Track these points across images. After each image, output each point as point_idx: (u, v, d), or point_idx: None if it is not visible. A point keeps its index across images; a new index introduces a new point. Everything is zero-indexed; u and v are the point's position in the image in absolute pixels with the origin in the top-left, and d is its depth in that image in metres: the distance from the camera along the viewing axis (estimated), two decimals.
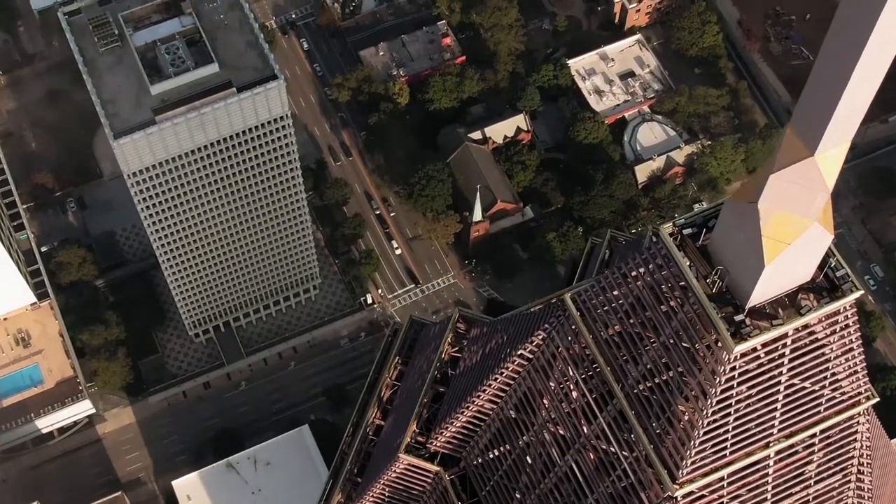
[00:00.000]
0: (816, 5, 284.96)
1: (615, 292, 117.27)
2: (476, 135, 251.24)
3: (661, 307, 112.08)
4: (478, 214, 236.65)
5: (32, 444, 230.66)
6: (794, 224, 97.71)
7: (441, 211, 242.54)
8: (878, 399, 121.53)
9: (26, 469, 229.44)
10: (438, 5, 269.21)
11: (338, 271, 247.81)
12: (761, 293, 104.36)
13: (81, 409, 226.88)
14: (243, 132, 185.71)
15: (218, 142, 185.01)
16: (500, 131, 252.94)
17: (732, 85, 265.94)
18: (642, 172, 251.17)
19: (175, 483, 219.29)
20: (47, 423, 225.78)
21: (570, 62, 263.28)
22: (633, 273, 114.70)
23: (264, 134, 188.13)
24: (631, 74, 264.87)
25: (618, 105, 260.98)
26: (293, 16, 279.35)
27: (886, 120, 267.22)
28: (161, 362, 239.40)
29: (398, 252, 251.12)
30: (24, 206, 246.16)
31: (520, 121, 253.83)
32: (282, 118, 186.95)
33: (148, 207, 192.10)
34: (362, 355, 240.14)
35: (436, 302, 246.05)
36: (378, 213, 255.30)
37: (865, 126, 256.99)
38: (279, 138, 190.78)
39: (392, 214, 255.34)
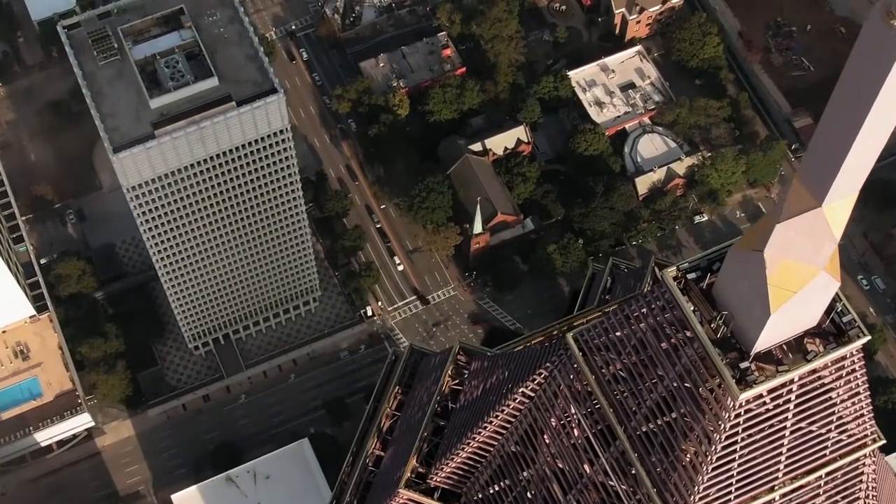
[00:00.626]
0: (817, 16, 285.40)
1: (618, 333, 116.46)
2: (476, 146, 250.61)
3: (665, 350, 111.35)
4: (478, 227, 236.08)
5: (31, 457, 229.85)
6: (800, 272, 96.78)
7: (441, 223, 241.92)
8: (884, 441, 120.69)
9: (25, 482, 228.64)
10: (439, 16, 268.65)
11: (338, 283, 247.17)
12: (767, 339, 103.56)
13: (80, 422, 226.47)
14: (243, 146, 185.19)
15: (217, 155, 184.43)
16: (500, 143, 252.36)
17: (733, 96, 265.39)
18: (643, 184, 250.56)
19: (174, 497, 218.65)
20: (46, 436, 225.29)
21: (571, 74, 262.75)
22: (636, 314, 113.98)
23: (264, 148, 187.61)
24: (631, 86, 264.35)
25: (618, 116, 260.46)
26: (293, 27, 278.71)
27: None
28: (160, 375, 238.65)
29: (400, 269, 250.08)
30: (24, 218, 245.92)
31: (520, 132, 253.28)
32: (282, 132, 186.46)
33: (147, 221, 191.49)
34: (362, 368, 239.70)
35: (436, 314, 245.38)
36: (379, 226, 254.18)
37: None
38: (279, 152, 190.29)
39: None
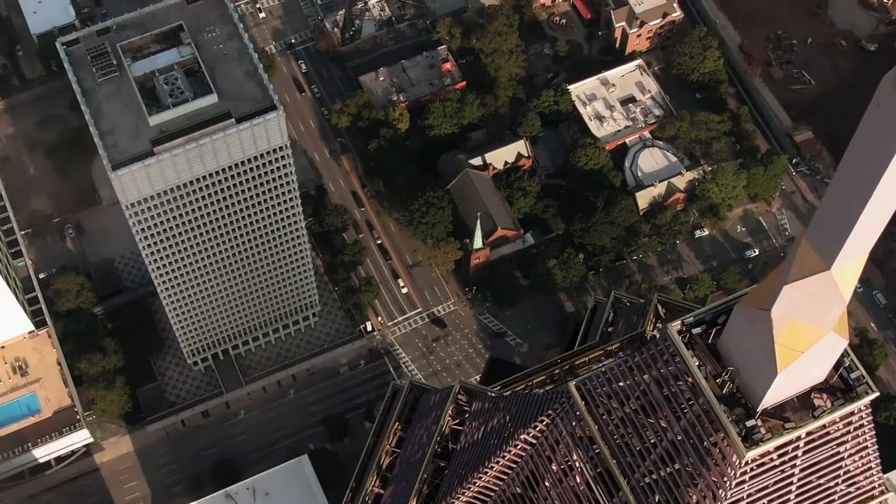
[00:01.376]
0: (818, 30, 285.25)
1: (621, 383, 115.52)
2: (476, 161, 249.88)
3: (670, 403, 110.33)
4: (478, 242, 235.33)
5: (30, 473, 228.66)
6: (808, 332, 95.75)
7: (441, 238, 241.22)
8: (893, 492, 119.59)
9: (24, 499, 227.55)
10: (439, 30, 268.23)
11: (337, 298, 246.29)
12: (774, 396, 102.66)
13: (79, 438, 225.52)
14: (242, 162, 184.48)
15: (217, 172, 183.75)
16: (500, 157, 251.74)
17: (734, 110, 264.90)
18: (643, 199, 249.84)
19: None
20: (45, 452, 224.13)
21: (571, 87, 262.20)
22: (640, 366, 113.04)
23: (263, 164, 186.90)
24: (632, 100, 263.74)
25: (619, 131, 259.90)
26: (293, 41, 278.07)
27: None
28: (159, 390, 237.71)
29: (404, 291, 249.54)
30: (22, 233, 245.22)
31: (520, 147, 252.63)
32: (281, 148, 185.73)
33: (146, 238, 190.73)
34: (362, 383, 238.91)
35: (436, 330, 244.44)
36: (380, 242, 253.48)
37: None
38: (279, 168, 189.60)
39: (378, 241, 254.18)
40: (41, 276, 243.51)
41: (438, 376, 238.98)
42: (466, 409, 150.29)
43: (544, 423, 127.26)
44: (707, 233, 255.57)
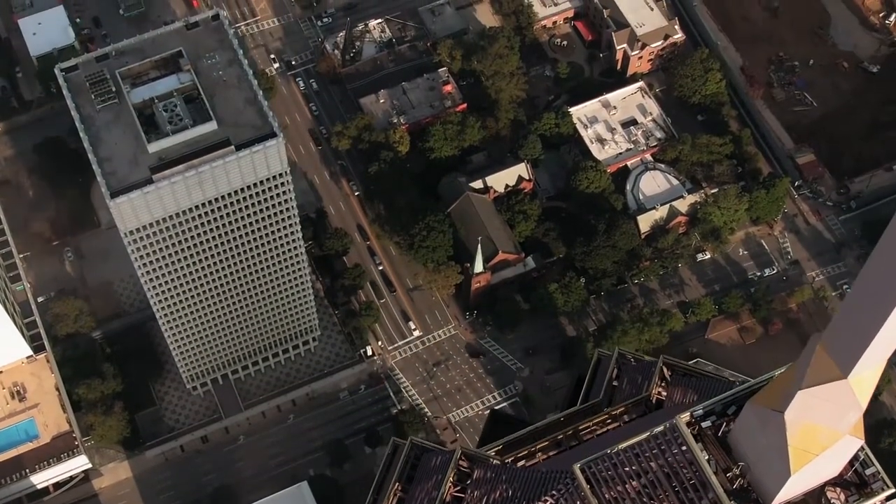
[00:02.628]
0: (820, 51, 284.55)
1: (627, 469, 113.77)
2: (477, 184, 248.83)
3: (678, 494, 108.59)
4: (479, 266, 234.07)
5: (28, 499, 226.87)
6: (823, 435, 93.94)
7: (442, 262, 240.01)
8: None
9: None
10: (439, 52, 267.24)
11: (337, 322, 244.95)
12: (786, 494, 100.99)
13: (77, 464, 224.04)
14: (242, 189, 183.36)
15: (216, 199, 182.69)
16: (501, 180, 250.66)
17: (736, 132, 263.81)
18: (645, 222, 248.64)
19: None
20: (43, 478, 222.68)
21: (572, 110, 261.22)
22: (648, 453, 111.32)
23: (263, 191, 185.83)
24: (633, 122, 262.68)
25: (620, 153, 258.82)
26: (293, 62, 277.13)
27: (891, 168, 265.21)
28: (158, 415, 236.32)
29: (380, 268, 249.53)
30: (21, 256, 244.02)
31: (521, 169, 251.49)
32: (281, 175, 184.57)
33: (145, 265, 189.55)
34: (362, 408, 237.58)
35: (436, 354, 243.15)
36: (381, 268, 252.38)
37: (870, 174, 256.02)
38: (278, 195, 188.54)
39: (380, 267, 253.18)
40: (40, 299, 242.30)
41: (439, 401, 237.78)
42: (468, 475, 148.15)
43: (548, 503, 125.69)
44: (709, 256, 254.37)
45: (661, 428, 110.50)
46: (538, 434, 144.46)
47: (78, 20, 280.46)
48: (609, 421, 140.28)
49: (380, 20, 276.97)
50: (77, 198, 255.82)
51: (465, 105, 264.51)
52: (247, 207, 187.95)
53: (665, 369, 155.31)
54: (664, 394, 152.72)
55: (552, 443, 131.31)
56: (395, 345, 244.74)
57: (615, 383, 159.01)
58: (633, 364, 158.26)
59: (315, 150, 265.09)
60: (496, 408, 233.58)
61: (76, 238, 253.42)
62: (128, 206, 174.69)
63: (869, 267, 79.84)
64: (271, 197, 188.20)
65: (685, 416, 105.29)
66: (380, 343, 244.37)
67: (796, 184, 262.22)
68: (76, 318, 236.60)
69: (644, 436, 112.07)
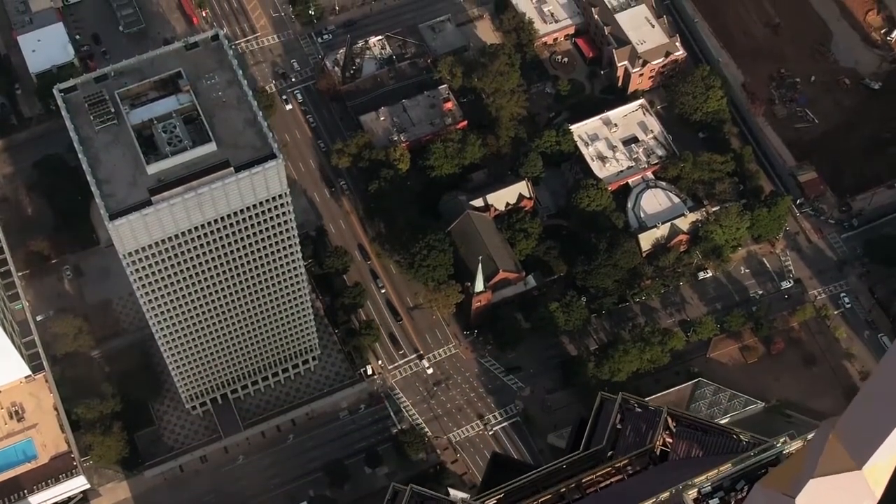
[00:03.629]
0: (821, 67, 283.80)
1: None
2: (478, 202, 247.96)
3: None
4: (479, 285, 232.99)
5: None
6: None
7: (442, 281, 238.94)
8: None
9: None
10: (440, 69, 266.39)
11: (337, 341, 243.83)
12: None
13: (76, 484, 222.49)
14: (241, 211, 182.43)
15: (215, 221, 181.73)
16: (502, 198, 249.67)
17: (737, 150, 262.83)
18: (646, 240, 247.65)
19: None
20: (41, 499, 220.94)
21: (573, 127, 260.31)
22: None
23: (263, 212, 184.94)
24: (634, 140, 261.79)
25: (621, 171, 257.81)
26: (293, 79, 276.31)
27: (893, 185, 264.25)
28: (157, 435, 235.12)
29: (383, 291, 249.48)
30: (20, 274, 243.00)
31: (522, 188, 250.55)
32: (281, 196, 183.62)
33: (144, 286, 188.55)
34: (362, 428, 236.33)
35: (437, 373, 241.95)
36: (384, 291, 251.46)
37: (872, 192, 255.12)
38: (278, 216, 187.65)
39: (382, 290, 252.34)
40: (38, 318, 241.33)
41: (440, 420, 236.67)
42: None
43: None
44: (710, 274, 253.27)
45: (666, 494, 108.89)
46: (540, 483, 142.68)
47: (77, 37, 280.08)
48: (613, 473, 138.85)
49: (380, 37, 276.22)
50: (76, 216, 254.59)
51: (465, 122, 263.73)
52: (246, 229, 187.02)
53: (670, 420, 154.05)
54: (669, 444, 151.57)
55: (556, 496, 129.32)
56: (396, 364, 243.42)
57: (619, 427, 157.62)
58: (637, 411, 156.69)
59: (315, 168, 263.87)
60: (496, 431, 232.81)
61: (75, 256, 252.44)
62: (127, 228, 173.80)
63: (886, 360, 78.05)
64: (271, 218, 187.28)
65: (692, 493, 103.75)
66: (380, 362, 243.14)
67: (798, 201, 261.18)
68: (75, 338, 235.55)
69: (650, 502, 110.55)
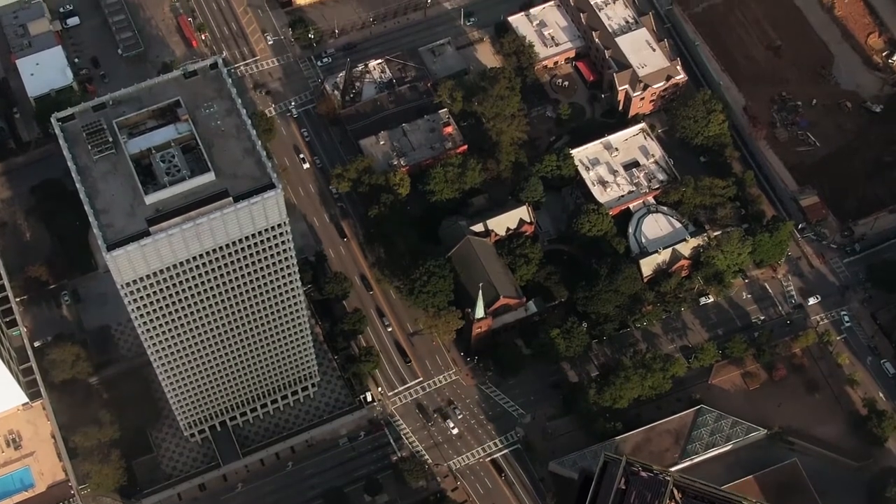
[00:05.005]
0: (823, 90, 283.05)
1: None
2: (478, 227, 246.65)
3: None
4: (480, 312, 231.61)
5: None
6: None
7: (442, 307, 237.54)
8: None
9: None
10: (440, 93, 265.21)
11: (337, 368, 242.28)
12: None
13: None
14: (240, 240, 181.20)
15: (214, 250, 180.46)
16: (502, 223, 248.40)
17: (739, 174, 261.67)
18: (647, 266, 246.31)
19: None
20: None
21: (574, 152, 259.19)
22: None
23: (261, 241, 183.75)
24: (635, 164, 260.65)
25: (622, 196, 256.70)
26: (293, 103, 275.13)
27: (895, 210, 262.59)
28: (155, 462, 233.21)
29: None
30: (18, 300, 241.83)
31: (522, 212, 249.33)
32: (280, 225, 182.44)
33: (143, 315, 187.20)
34: (362, 455, 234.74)
35: (437, 400, 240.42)
36: (388, 326, 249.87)
37: (874, 216, 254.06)
38: (277, 245, 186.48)
39: (387, 324, 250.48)
40: (36, 344, 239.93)
41: (440, 448, 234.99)
42: None
43: None
44: (712, 300, 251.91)
45: None
46: None
47: (76, 60, 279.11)
48: None
49: (380, 60, 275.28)
50: (75, 240, 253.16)
51: (465, 146, 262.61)
52: (245, 258, 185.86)
53: (676, 491, 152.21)
54: None
55: None
56: (396, 390, 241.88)
57: (623, 487, 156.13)
58: (642, 476, 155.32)
59: (314, 193, 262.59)
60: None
61: (73, 281, 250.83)
62: (124, 259, 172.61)
63: None
64: (270, 247, 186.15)
65: None
66: (380, 389, 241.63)
67: (800, 226, 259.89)
68: (73, 364, 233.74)
69: None
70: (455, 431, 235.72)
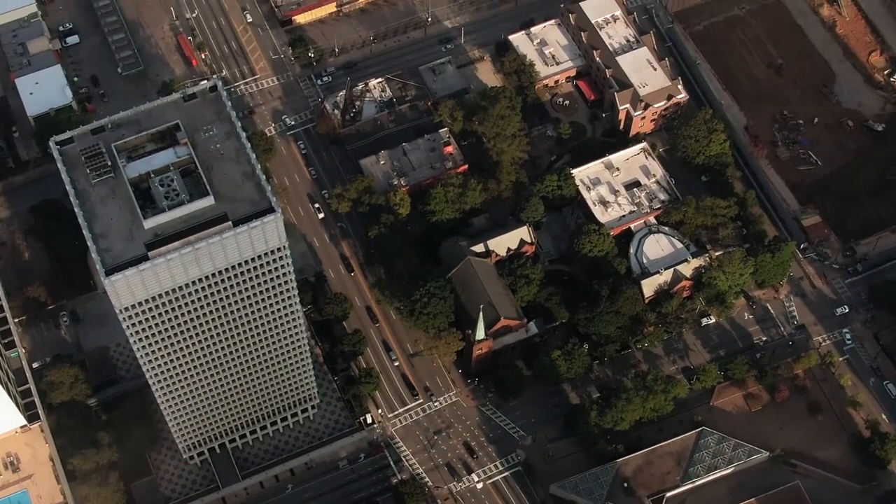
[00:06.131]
0: (824, 109, 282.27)
1: None
2: (479, 247, 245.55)
3: None
4: (480, 333, 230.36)
5: None
6: None
7: (443, 328, 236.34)
8: None
9: None
10: (440, 113, 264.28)
11: (336, 389, 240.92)
12: None
13: None
14: (239, 264, 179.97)
15: (213, 275, 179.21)
16: (503, 244, 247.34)
17: (740, 194, 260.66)
18: (649, 286, 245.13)
19: None
20: None
21: (575, 171, 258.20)
22: None
23: (261, 266, 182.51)
24: (637, 184, 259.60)
25: (623, 216, 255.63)
26: (293, 122, 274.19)
27: None
28: (154, 485, 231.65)
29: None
30: (16, 321, 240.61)
31: (523, 233, 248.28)
32: (279, 249, 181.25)
33: (141, 340, 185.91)
34: (361, 478, 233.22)
35: (437, 422, 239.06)
36: (392, 355, 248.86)
37: (877, 236, 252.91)
38: (276, 269, 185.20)
39: (389, 351, 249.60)
40: (35, 365, 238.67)
41: (440, 470, 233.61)
42: None
43: None
44: (714, 320, 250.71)
45: None
46: None
47: (76, 79, 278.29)
48: None
49: (380, 79, 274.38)
50: (74, 261, 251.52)
51: (466, 166, 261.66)
52: (244, 282, 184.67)
53: None
54: None
55: None
56: (396, 412, 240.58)
57: None
58: None
59: (314, 213, 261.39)
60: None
61: (72, 302, 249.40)
62: (123, 284, 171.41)
63: None
64: (269, 271, 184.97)
65: None
66: (380, 410, 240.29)
67: (802, 246, 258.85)
68: (71, 386, 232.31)
69: None
70: (480, 486, 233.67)
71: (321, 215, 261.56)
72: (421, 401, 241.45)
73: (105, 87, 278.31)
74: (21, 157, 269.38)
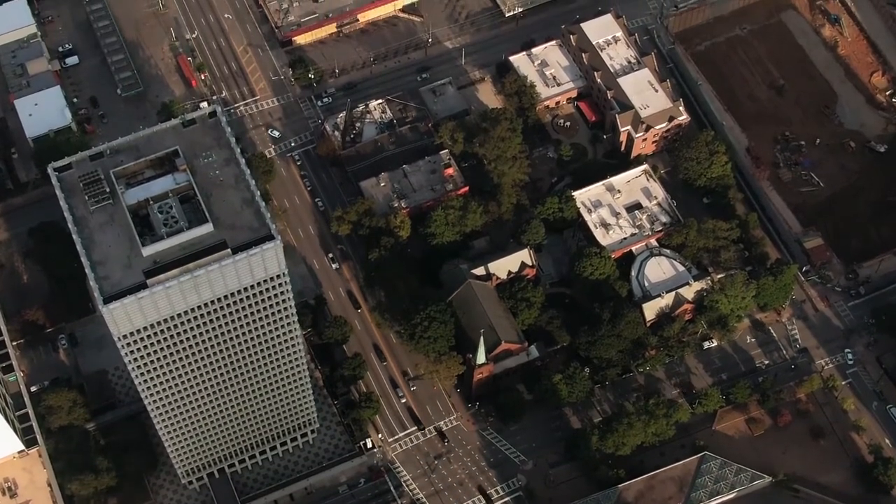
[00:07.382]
0: (826, 130, 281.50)
1: None
2: (479, 270, 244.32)
3: None
4: (481, 357, 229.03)
5: None
6: None
7: (443, 352, 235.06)
8: None
9: None
10: (441, 135, 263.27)
11: (336, 413, 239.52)
12: None
13: None
14: (238, 291, 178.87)
15: (212, 302, 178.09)
16: (503, 267, 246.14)
17: (742, 216, 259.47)
18: (650, 310, 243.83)
19: None
20: None
21: (576, 193, 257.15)
22: None
23: (260, 293, 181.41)
24: (638, 206, 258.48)
25: (625, 238, 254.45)
26: (293, 144, 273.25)
27: None
28: None
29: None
30: (14, 344, 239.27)
31: (524, 256, 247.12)
32: (278, 276, 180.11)
33: (140, 367, 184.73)
34: (362, 503, 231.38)
35: (438, 446, 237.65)
36: (384, 363, 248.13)
37: (879, 259, 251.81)
38: (275, 296, 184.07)
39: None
40: (33, 388, 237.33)
41: (440, 495, 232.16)
42: None
43: None
44: (715, 344, 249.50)
45: None
46: None
47: (75, 100, 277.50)
48: None
49: (380, 100, 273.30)
50: (72, 284, 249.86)
51: (466, 188, 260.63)
52: (244, 309, 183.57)
53: None
54: None
55: None
56: (396, 436, 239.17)
57: None
58: None
59: (315, 234, 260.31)
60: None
61: (71, 325, 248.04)
62: (121, 312, 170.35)
63: None
64: (269, 298, 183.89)
65: None
66: (380, 435, 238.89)
67: (804, 269, 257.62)
68: (70, 410, 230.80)
69: None
70: None
71: (335, 265, 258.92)
72: (421, 424, 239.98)
73: (104, 108, 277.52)
74: (20, 179, 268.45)
